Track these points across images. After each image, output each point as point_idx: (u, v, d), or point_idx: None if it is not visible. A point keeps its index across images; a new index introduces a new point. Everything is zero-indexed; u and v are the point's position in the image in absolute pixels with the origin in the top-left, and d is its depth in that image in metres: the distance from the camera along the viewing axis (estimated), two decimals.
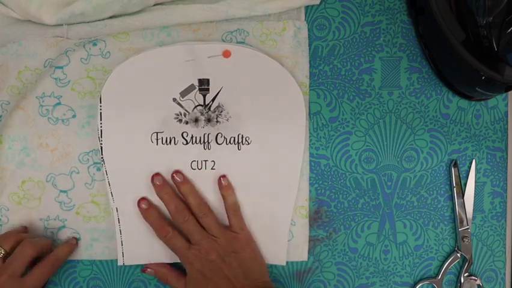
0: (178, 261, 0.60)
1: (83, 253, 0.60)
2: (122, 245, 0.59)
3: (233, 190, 0.58)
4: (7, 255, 0.53)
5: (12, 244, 0.54)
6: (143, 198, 0.58)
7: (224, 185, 0.58)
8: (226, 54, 0.57)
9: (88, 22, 0.55)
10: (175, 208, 0.56)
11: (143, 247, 0.60)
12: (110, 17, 0.56)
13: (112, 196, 0.58)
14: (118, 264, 0.59)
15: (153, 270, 0.59)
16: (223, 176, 0.58)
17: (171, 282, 0.58)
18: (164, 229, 0.57)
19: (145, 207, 0.57)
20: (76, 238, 0.59)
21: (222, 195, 0.58)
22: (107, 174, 0.57)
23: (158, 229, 0.57)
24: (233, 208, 0.58)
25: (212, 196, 0.59)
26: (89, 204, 0.59)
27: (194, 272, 0.56)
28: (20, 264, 0.52)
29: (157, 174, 0.57)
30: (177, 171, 0.58)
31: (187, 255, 0.56)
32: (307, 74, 0.59)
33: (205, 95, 0.58)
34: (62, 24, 0.55)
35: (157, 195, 0.57)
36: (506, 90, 0.54)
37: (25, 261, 0.53)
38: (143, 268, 0.59)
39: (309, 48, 0.59)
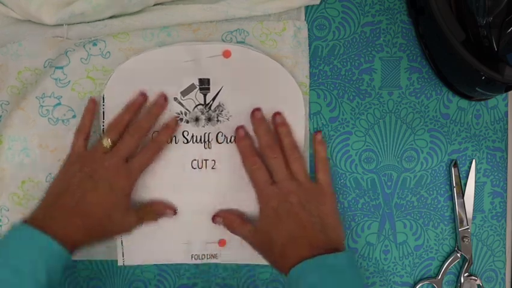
0: (181, 262, 0.60)
1: (83, 253, 0.60)
2: (122, 244, 0.59)
3: (326, 147, 0.59)
4: (114, 145, 0.54)
5: (119, 134, 0.55)
6: (241, 127, 0.58)
7: (318, 140, 0.58)
8: (227, 54, 0.57)
9: (88, 22, 0.55)
10: (267, 142, 0.56)
11: (143, 247, 0.60)
12: (110, 17, 0.56)
13: None
14: (118, 264, 0.59)
15: (221, 218, 0.58)
16: (319, 132, 0.59)
17: (237, 228, 0.57)
18: (253, 158, 0.56)
19: (242, 134, 0.57)
20: (176, 119, 0.58)
21: (315, 149, 0.58)
22: None
23: (247, 156, 0.56)
24: (323, 163, 0.57)
25: (213, 195, 0.59)
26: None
27: (268, 210, 0.54)
28: (126, 151, 0.54)
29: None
30: (277, 113, 0.57)
31: (267, 191, 0.55)
32: (307, 74, 0.59)
33: (206, 94, 0.58)
34: (62, 24, 0.55)
35: (254, 130, 0.57)
36: (506, 90, 0.54)
37: (130, 148, 0.54)
38: (213, 218, 0.59)
39: (309, 48, 0.59)
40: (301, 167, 0.55)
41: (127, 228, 0.56)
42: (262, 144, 0.56)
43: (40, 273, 0.46)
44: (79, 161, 0.54)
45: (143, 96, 0.57)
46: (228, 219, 0.58)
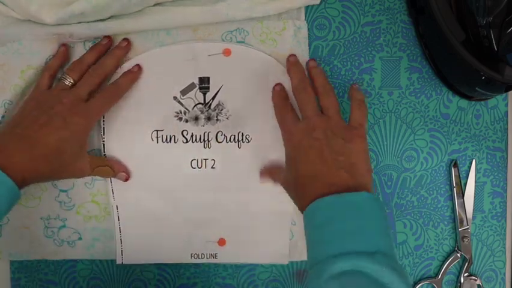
0: (177, 262, 0.60)
1: (84, 253, 0.60)
2: (121, 243, 0.59)
3: (363, 94, 0.55)
4: (74, 83, 0.54)
5: (80, 74, 0.54)
6: (279, 84, 0.57)
7: (355, 88, 0.56)
8: (227, 52, 0.57)
9: (88, 23, 0.55)
10: (299, 80, 0.54)
11: (142, 246, 0.60)
12: (110, 18, 0.56)
13: (113, 193, 0.58)
14: (117, 262, 0.59)
15: (265, 174, 0.58)
16: (355, 84, 0.57)
17: (274, 176, 0.57)
18: (284, 103, 0.55)
19: (278, 88, 0.57)
20: (138, 65, 0.57)
21: (351, 94, 0.55)
22: None
23: (279, 104, 0.56)
24: (359, 102, 0.53)
25: (213, 195, 0.59)
26: (89, 204, 0.59)
27: (290, 146, 0.52)
28: (85, 90, 0.53)
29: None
30: (311, 60, 0.57)
31: (294, 129, 0.52)
32: (306, 73, 0.59)
33: (206, 93, 0.58)
34: (62, 24, 0.55)
35: (288, 72, 0.56)
36: (506, 90, 0.54)
37: (91, 87, 0.53)
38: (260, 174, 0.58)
39: (309, 48, 0.59)
40: (333, 103, 0.52)
41: (77, 172, 0.55)
42: (294, 84, 0.54)
43: None
44: (38, 97, 0.53)
45: (109, 38, 0.56)
46: (268, 172, 0.58)
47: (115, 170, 0.57)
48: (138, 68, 0.57)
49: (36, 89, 0.55)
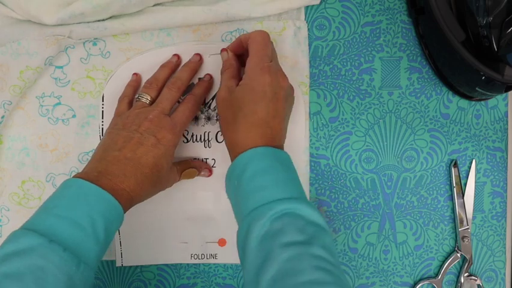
0: (180, 262, 0.60)
1: None
2: (120, 245, 0.59)
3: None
4: (153, 101, 0.54)
5: (157, 91, 0.54)
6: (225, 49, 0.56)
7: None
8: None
9: (88, 23, 0.55)
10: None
11: (142, 248, 0.60)
12: (110, 18, 0.56)
13: None
14: (117, 265, 0.59)
15: (226, 53, 0.55)
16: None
17: (224, 73, 0.54)
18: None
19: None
20: (210, 75, 0.58)
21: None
22: None
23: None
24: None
25: (212, 194, 0.59)
26: None
27: (259, 82, 0.50)
28: (167, 104, 0.53)
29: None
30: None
31: (267, 68, 0.51)
32: (307, 73, 0.59)
33: None
34: (62, 24, 0.55)
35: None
36: (506, 90, 0.54)
37: (172, 102, 0.53)
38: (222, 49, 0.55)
39: (309, 48, 0.59)
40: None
41: (170, 183, 0.55)
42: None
43: (99, 229, 0.44)
44: (121, 120, 0.52)
45: (178, 56, 0.57)
46: (229, 62, 0.55)
47: (198, 169, 0.57)
48: (210, 77, 0.58)
49: (117, 115, 0.54)
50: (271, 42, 0.52)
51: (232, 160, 0.50)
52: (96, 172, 0.47)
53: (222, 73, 0.54)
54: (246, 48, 0.53)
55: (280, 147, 0.50)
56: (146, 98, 0.53)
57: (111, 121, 0.54)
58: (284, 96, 0.51)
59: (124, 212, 0.48)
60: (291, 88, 0.53)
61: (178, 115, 0.53)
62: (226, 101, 0.51)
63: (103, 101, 0.57)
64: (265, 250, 0.43)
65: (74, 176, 0.47)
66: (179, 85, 0.54)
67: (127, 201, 0.48)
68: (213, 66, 0.58)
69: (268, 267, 0.42)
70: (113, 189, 0.46)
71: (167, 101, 0.53)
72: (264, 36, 0.52)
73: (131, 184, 0.48)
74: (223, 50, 0.55)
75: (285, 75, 0.52)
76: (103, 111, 0.57)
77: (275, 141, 0.50)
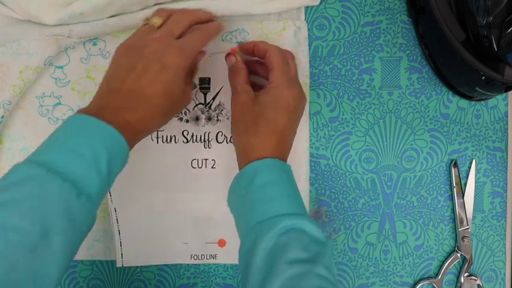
0: (180, 262, 0.60)
1: (84, 253, 0.60)
2: (121, 245, 0.59)
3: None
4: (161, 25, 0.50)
5: (167, 16, 0.50)
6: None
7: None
8: (233, 51, 0.57)
9: (88, 22, 0.55)
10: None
11: (142, 248, 0.59)
12: (110, 17, 0.56)
13: (111, 196, 0.58)
14: (117, 265, 0.59)
15: (234, 57, 0.54)
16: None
17: (238, 80, 0.53)
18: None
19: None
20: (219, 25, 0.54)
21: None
22: None
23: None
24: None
25: (212, 194, 0.59)
26: None
27: (282, 94, 0.51)
28: (177, 27, 0.49)
29: None
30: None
31: (287, 77, 0.52)
32: (307, 73, 0.59)
33: (206, 93, 0.58)
34: (62, 24, 0.55)
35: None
36: (506, 90, 0.54)
37: (181, 26, 0.49)
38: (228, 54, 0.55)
39: (309, 48, 0.59)
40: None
41: (186, 104, 0.52)
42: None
43: (102, 162, 0.41)
44: (127, 41, 0.49)
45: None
46: (238, 65, 0.53)
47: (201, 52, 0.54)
48: (220, 25, 0.54)
49: (121, 44, 0.49)
50: (293, 57, 0.55)
51: (241, 165, 0.50)
52: (98, 106, 0.45)
53: (232, 77, 0.53)
54: (254, 55, 0.54)
55: (286, 159, 0.51)
56: (155, 22, 0.49)
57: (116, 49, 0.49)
58: (301, 113, 0.53)
59: (131, 147, 0.45)
60: (304, 108, 0.54)
61: (186, 39, 0.49)
62: (247, 105, 0.51)
63: None
64: (270, 265, 0.43)
65: (76, 112, 0.44)
66: (192, 16, 0.51)
67: (133, 134, 0.45)
68: (213, 65, 0.57)
69: (272, 282, 0.42)
70: (117, 122, 0.43)
71: (177, 24, 0.49)
72: (282, 51, 0.53)
73: (137, 116, 0.45)
74: (229, 54, 0.54)
75: (305, 95, 0.54)
76: None
77: (285, 153, 0.51)
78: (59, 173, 0.39)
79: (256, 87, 0.54)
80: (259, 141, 0.49)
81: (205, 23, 0.53)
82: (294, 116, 0.51)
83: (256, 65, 0.56)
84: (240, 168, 0.51)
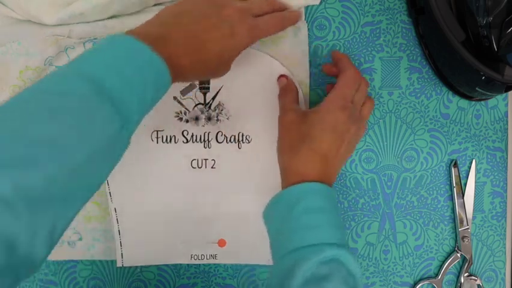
0: (180, 262, 0.60)
1: (84, 253, 0.60)
2: (121, 246, 0.59)
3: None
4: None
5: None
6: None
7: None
8: (285, 76, 0.58)
9: (88, 22, 0.55)
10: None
11: (142, 248, 0.60)
12: (110, 17, 0.56)
13: (111, 196, 0.58)
14: (117, 265, 0.59)
15: (285, 80, 0.57)
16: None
17: (288, 97, 0.55)
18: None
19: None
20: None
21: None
22: None
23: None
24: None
25: (212, 195, 0.59)
26: (89, 204, 0.59)
27: (330, 116, 0.51)
28: (257, 7, 0.50)
29: None
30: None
31: (342, 109, 0.51)
32: (307, 74, 0.59)
33: (206, 93, 0.58)
34: (62, 24, 0.55)
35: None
36: (506, 90, 0.54)
37: (261, 8, 0.50)
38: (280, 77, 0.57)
39: (309, 48, 0.59)
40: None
41: (222, 74, 0.51)
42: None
43: (148, 96, 0.40)
44: None
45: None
46: (290, 86, 0.56)
47: None
48: (298, 15, 0.55)
49: None
50: (367, 85, 0.55)
51: (284, 184, 0.50)
52: (156, 34, 0.42)
53: (281, 96, 0.56)
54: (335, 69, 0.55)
55: (332, 184, 0.51)
56: None
57: None
58: (349, 141, 0.51)
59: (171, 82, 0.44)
60: (359, 137, 0.54)
61: (261, 21, 0.50)
62: (295, 123, 0.51)
63: None
64: None
65: (125, 32, 0.42)
66: (275, 7, 0.52)
67: (176, 77, 0.44)
68: None
69: None
70: (170, 58, 0.42)
71: (259, 5, 0.50)
72: (356, 74, 0.53)
73: (187, 62, 0.44)
74: (281, 76, 0.57)
75: (361, 127, 0.53)
76: None
77: (330, 178, 0.50)
78: (110, 97, 0.38)
79: None
80: (303, 160, 0.49)
81: (285, 10, 0.54)
82: (341, 142, 0.50)
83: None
84: (283, 187, 0.50)
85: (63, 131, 0.35)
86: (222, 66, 0.49)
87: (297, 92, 0.56)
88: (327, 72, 0.58)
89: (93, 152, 0.36)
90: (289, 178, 0.50)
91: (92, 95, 0.37)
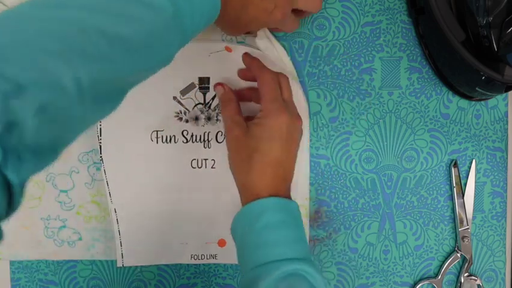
0: (180, 262, 0.60)
1: (84, 253, 0.60)
2: (121, 246, 0.59)
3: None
4: None
5: None
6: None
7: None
8: (228, 49, 0.57)
9: None
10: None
11: (142, 248, 0.60)
12: None
13: (110, 197, 0.58)
14: (118, 265, 0.59)
15: (222, 88, 0.56)
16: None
17: (230, 112, 0.54)
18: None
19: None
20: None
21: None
22: (105, 174, 0.57)
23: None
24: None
25: (212, 195, 0.59)
26: (89, 204, 0.59)
27: (274, 122, 0.51)
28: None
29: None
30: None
31: (281, 107, 0.51)
32: (292, 68, 0.59)
33: (206, 93, 0.58)
34: None
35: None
36: (506, 90, 0.54)
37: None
38: (215, 85, 0.57)
39: (309, 48, 0.59)
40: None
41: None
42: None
43: (201, 24, 0.41)
44: None
45: None
46: (227, 96, 0.55)
47: None
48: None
49: None
50: (287, 79, 0.54)
51: (243, 202, 0.50)
52: None
53: (222, 110, 0.54)
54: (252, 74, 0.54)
55: (289, 189, 0.51)
56: None
57: None
58: (298, 138, 0.52)
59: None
60: (302, 130, 0.53)
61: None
62: (240, 140, 0.50)
63: None
64: None
65: None
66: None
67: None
68: (213, 64, 0.57)
69: None
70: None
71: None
72: (274, 77, 0.52)
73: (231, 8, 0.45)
74: (217, 85, 0.56)
75: (300, 116, 0.52)
76: None
77: (286, 181, 0.50)
78: (183, 23, 0.39)
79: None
80: (257, 177, 0.49)
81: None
82: (290, 143, 0.50)
83: (251, 93, 0.56)
84: (242, 203, 0.50)
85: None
86: (244, 28, 0.50)
87: (236, 101, 0.54)
88: (243, 78, 0.58)
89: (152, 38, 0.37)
90: (246, 196, 0.49)
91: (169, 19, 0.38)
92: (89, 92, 0.32)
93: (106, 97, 0.36)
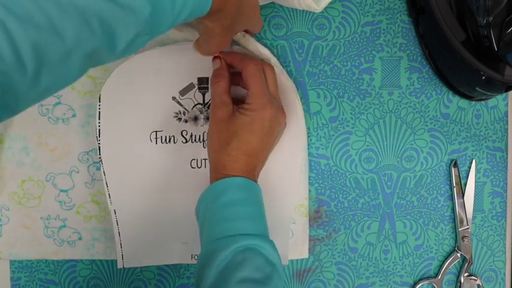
0: (180, 262, 0.60)
1: (84, 253, 0.60)
2: (121, 247, 0.59)
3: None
4: None
5: None
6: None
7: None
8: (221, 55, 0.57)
9: None
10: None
11: (142, 249, 0.59)
12: None
13: (110, 198, 0.58)
14: (118, 266, 0.59)
15: (220, 61, 0.55)
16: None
17: (218, 91, 0.53)
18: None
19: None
20: None
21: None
22: (105, 175, 0.57)
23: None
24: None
25: None
26: (89, 204, 0.59)
27: (259, 115, 0.51)
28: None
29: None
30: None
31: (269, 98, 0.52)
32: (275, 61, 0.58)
33: (205, 93, 0.58)
34: None
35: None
36: (506, 90, 0.54)
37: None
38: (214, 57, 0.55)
39: (310, 48, 0.59)
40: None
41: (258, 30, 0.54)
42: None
43: (183, 16, 0.39)
44: None
45: None
46: (222, 71, 0.54)
47: None
48: None
49: None
50: (273, 69, 0.54)
51: (212, 179, 0.52)
52: None
53: (212, 84, 0.54)
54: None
55: (257, 176, 0.53)
56: None
57: None
58: (278, 132, 0.54)
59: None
60: (285, 123, 0.55)
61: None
62: (224, 122, 0.52)
63: (99, 101, 0.57)
64: (222, 282, 0.45)
65: None
66: None
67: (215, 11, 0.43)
68: (210, 67, 0.57)
69: None
70: None
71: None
72: (259, 68, 0.52)
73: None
74: (215, 57, 0.55)
75: (283, 110, 0.54)
76: (99, 112, 0.57)
77: (256, 169, 0.52)
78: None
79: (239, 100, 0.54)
80: (230, 161, 0.51)
81: None
82: (269, 137, 0.52)
83: (239, 79, 0.55)
84: (211, 181, 0.52)
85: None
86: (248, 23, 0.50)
87: (229, 79, 0.54)
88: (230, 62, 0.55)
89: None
90: (216, 173, 0.51)
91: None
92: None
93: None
